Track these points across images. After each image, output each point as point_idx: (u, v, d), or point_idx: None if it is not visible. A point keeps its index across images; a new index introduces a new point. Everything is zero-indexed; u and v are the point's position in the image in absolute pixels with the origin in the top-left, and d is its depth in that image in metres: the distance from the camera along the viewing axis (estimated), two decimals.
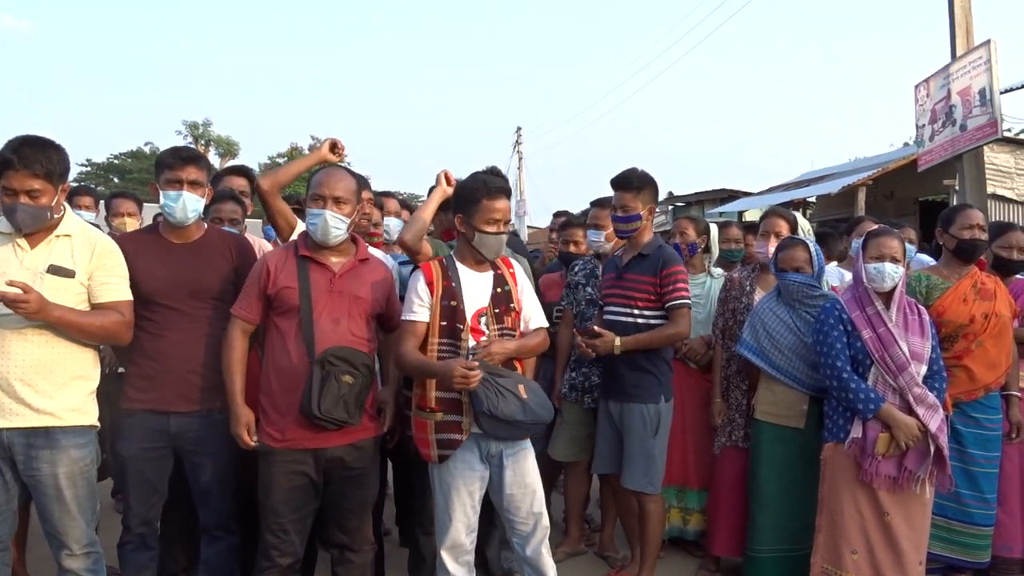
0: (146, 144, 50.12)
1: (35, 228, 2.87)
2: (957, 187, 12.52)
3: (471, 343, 3.14)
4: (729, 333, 4.34)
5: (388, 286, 3.31)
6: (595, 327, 3.78)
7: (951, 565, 3.96)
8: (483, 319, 3.18)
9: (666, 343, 3.93)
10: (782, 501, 3.90)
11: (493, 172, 3.55)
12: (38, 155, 2.79)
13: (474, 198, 3.20)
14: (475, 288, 3.21)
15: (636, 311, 3.85)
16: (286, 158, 43.65)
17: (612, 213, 3.97)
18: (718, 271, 4.80)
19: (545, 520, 3.29)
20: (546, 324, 3.44)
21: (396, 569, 4.06)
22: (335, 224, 3.09)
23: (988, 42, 10.28)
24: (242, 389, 3.12)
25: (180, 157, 3.23)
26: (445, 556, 3.23)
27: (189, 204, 3.18)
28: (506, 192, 3.25)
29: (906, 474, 3.47)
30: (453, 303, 3.16)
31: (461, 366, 2.96)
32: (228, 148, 45.97)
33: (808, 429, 3.86)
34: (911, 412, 3.45)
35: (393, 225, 4.57)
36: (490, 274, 3.28)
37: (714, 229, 4.91)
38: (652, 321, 3.84)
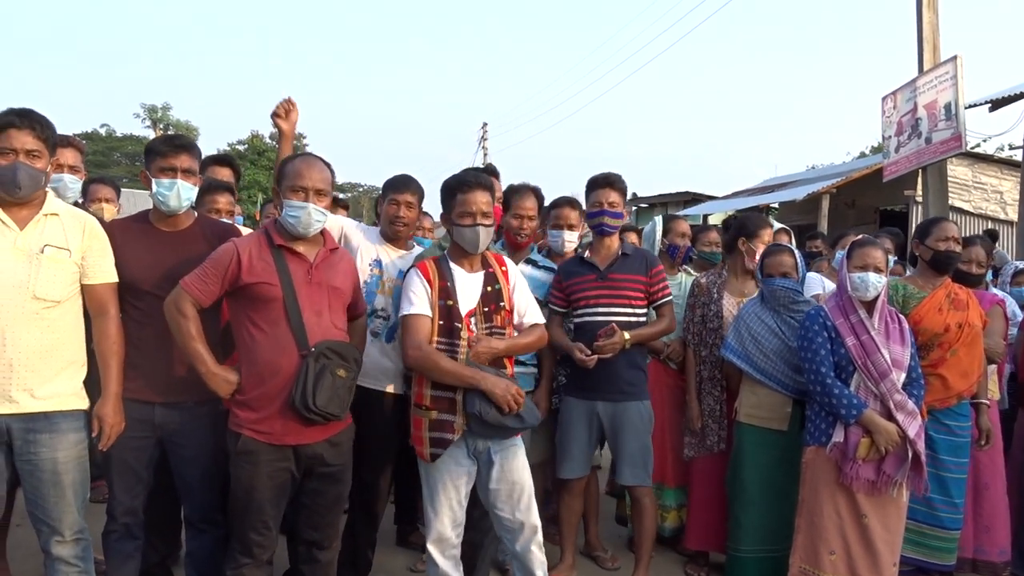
0: (102, 126, 49.27)
1: (31, 192, 2.82)
2: (918, 198, 12.81)
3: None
4: (699, 339, 4.41)
5: (355, 274, 3.30)
6: (613, 325, 3.82)
7: (919, 567, 4.07)
8: (472, 319, 3.20)
9: (659, 336, 4.16)
10: (765, 502, 3.98)
11: (489, 171, 3.54)
12: (38, 118, 2.83)
13: (451, 193, 3.26)
14: (467, 288, 3.23)
15: (630, 309, 3.94)
16: (246, 145, 43.09)
17: (596, 210, 4.01)
18: (692, 271, 4.90)
19: (534, 518, 3.31)
20: (542, 320, 3.45)
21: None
22: (317, 217, 3.03)
23: (955, 58, 10.50)
24: (210, 353, 2.97)
25: (174, 145, 3.17)
26: (432, 549, 3.25)
27: (183, 192, 3.12)
28: (482, 186, 3.26)
29: (884, 478, 3.56)
30: (450, 302, 3.17)
31: (516, 390, 3.06)
32: (187, 133, 45.14)
33: (791, 432, 3.95)
34: (891, 418, 3.54)
35: None
36: (481, 274, 3.29)
37: (658, 221, 5.11)
38: (642, 318, 3.99)
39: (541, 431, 4.21)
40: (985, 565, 4.23)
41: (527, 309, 3.38)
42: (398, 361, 3.57)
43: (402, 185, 3.74)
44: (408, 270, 3.33)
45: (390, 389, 3.62)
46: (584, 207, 4.47)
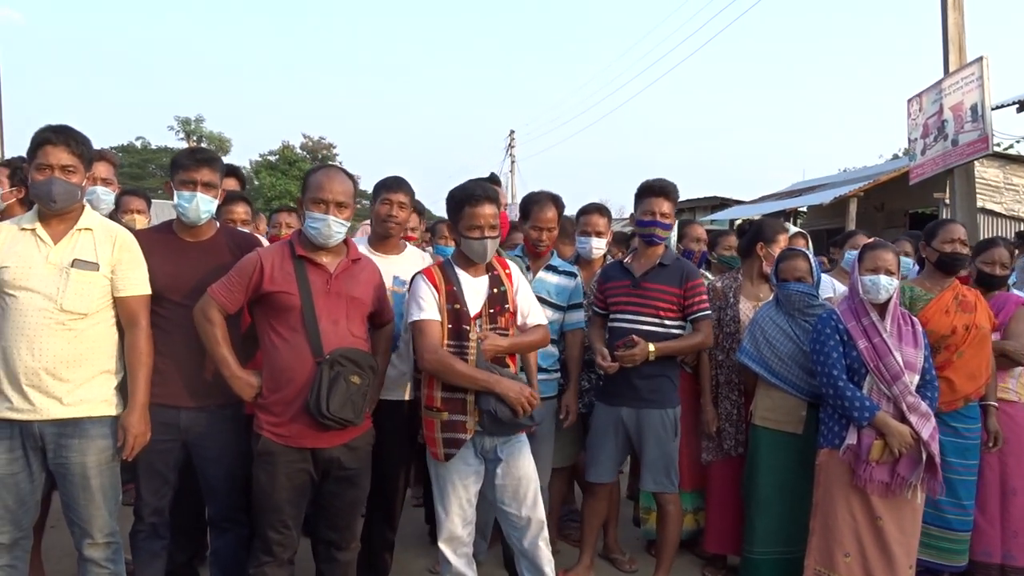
0: (137, 139, 50.10)
1: (67, 205, 2.96)
2: (947, 200, 12.70)
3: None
4: (715, 342, 4.40)
5: (379, 284, 3.38)
6: (633, 336, 3.84)
7: (929, 568, 4.05)
8: (478, 320, 3.29)
9: (692, 351, 4.13)
10: (779, 505, 4.00)
11: (492, 180, 3.61)
12: (73, 135, 2.97)
13: (458, 206, 3.33)
14: (473, 292, 3.32)
15: (657, 319, 3.93)
16: (277, 156, 43.66)
17: (648, 219, 3.98)
18: (710, 275, 4.91)
19: (540, 513, 3.38)
20: (544, 321, 3.53)
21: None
22: (337, 229, 3.14)
23: (980, 59, 10.42)
24: (234, 357, 3.11)
25: (195, 159, 3.30)
26: (444, 548, 3.36)
27: (202, 205, 3.24)
28: (489, 199, 3.33)
29: (899, 480, 3.58)
30: (457, 306, 3.26)
31: (529, 393, 3.15)
32: (220, 145, 45.91)
33: (806, 434, 3.96)
34: (904, 420, 3.55)
35: None
36: (486, 277, 3.38)
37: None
38: (673, 330, 3.96)
39: (568, 435, 4.28)
40: (1014, 571, 4.18)
41: (530, 310, 3.47)
42: (401, 366, 3.66)
43: (395, 185, 3.78)
44: (415, 276, 3.41)
45: (397, 396, 3.70)
46: (613, 213, 4.53)
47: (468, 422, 3.23)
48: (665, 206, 3.97)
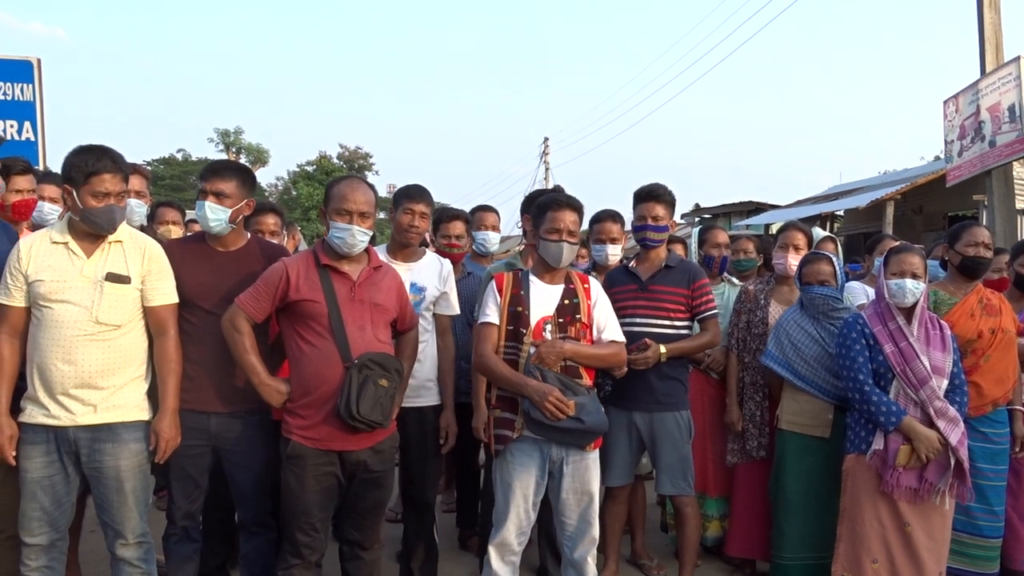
0: (178, 151, 51.06)
1: (117, 228, 3.10)
2: (987, 202, 12.49)
3: (531, 349, 3.33)
4: (743, 344, 4.43)
5: (401, 292, 3.45)
6: (646, 339, 3.87)
7: None
8: (547, 326, 3.37)
9: (700, 350, 4.17)
10: (808, 510, 3.98)
11: (556, 191, 3.76)
12: (120, 158, 3.08)
13: (542, 210, 3.48)
14: (543, 298, 3.42)
15: (668, 321, 3.97)
16: (314, 166, 44.22)
17: (640, 224, 4.05)
18: (735, 280, 4.90)
19: (595, 530, 3.45)
20: (622, 338, 3.56)
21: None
22: (361, 238, 3.21)
23: (1018, 58, 10.28)
24: (263, 365, 3.18)
25: (209, 169, 3.44)
26: (492, 552, 3.43)
27: (210, 213, 3.30)
28: (572, 207, 3.45)
29: (927, 486, 3.54)
30: (519, 309, 3.38)
31: (555, 397, 3.18)
32: (259, 156, 46.55)
33: (833, 439, 3.93)
34: (932, 425, 3.52)
35: (491, 238, 5.01)
36: (560, 287, 3.47)
37: (695, 232, 5.09)
38: (683, 331, 4.00)
39: None
40: None
41: (607, 325, 3.51)
42: (428, 372, 3.75)
43: (417, 195, 3.86)
44: (487, 281, 3.58)
45: (420, 403, 3.76)
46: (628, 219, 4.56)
47: (517, 422, 3.34)
48: (658, 210, 4.01)
